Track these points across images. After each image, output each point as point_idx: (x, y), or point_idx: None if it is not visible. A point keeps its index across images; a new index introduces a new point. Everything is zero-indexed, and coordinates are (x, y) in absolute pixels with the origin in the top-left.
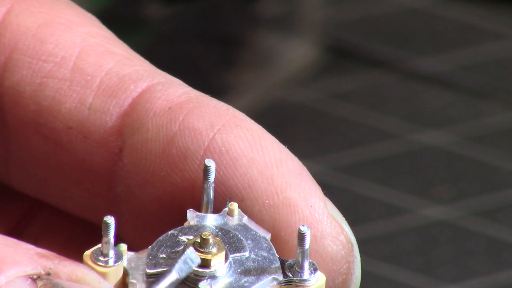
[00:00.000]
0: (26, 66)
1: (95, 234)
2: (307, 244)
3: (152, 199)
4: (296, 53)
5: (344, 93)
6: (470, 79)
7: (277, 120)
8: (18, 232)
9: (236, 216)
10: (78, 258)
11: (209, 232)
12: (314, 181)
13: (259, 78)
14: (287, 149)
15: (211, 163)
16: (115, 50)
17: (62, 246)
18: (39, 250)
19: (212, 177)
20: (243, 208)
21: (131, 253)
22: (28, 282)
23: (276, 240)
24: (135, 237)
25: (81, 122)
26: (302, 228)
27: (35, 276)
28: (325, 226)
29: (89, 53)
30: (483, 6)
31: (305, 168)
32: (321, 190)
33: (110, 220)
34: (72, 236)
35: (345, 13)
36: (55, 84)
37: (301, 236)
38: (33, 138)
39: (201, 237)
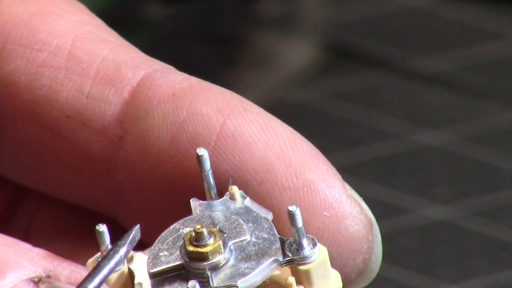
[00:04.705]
0: (20, 56)
1: (90, 221)
2: (299, 223)
3: (162, 185)
4: (296, 53)
5: (344, 93)
6: (470, 79)
7: None
8: (7, 218)
9: (238, 199)
10: (77, 245)
11: (201, 225)
12: (329, 162)
13: (259, 78)
14: (297, 132)
15: (203, 152)
16: (108, 38)
17: (56, 232)
18: (37, 250)
19: (207, 165)
20: (261, 192)
21: (138, 253)
22: (31, 286)
23: None
24: (142, 225)
25: (79, 110)
26: (290, 208)
27: (36, 279)
28: (346, 206)
29: (82, 41)
30: (483, 6)
31: (318, 150)
32: (337, 171)
33: (103, 228)
34: (66, 223)
35: (345, 13)
36: (51, 73)
37: (291, 216)
38: (29, 128)
39: (194, 231)
